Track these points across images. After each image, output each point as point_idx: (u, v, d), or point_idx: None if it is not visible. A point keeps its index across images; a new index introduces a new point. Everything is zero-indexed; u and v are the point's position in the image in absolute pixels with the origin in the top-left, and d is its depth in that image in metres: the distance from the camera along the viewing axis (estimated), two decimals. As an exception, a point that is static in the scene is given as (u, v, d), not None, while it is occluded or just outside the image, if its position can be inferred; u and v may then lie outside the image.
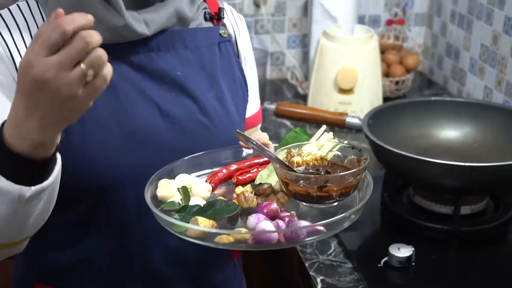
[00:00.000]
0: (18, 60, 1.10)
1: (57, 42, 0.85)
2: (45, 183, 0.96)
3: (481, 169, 1.42)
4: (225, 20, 1.28)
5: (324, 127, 1.19)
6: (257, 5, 2.31)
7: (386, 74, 2.24)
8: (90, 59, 0.85)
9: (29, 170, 0.93)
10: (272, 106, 1.92)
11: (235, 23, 1.31)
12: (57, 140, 0.94)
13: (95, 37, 0.85)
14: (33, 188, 0.95)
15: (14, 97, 0.92)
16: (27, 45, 1.11)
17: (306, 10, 2.34)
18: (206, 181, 1.13)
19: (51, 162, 0.96)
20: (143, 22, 1.12)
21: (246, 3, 2.30)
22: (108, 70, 0.88)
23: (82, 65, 0.85)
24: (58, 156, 0.98)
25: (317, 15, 2.22)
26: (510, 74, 1.93)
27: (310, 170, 1.09)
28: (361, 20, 2.39)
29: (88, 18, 0.86)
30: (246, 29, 1.34)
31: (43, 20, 1.13)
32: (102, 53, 0.86)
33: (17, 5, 1.15)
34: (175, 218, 1.03)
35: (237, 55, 1.30)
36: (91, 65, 0.86)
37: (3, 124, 0.94)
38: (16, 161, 0.92)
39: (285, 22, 2.37)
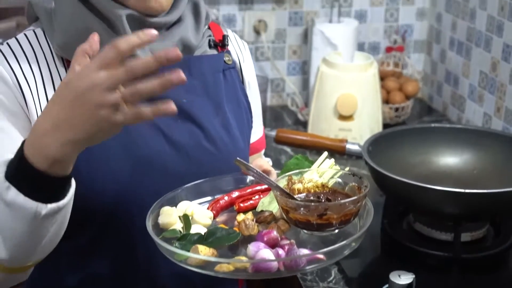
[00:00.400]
0: (25, 88, 1.11)
1: (111, 59, 0.88)
2: (61, 202, 0.98)
3: (481, 195, 1.42)
4: (229, 47, 1.30)
5: (325, 153, 1.19)
6: (257, 32, 2.33)
7: (386, 101, 2.25)
8: (130, 90, 0.89)
9: (46, 187, 0.95)
10: (272, 133, 1.92)
11: (239, 50, 1.32)
12: (74, 160, 0.96)
13: (140, 67, 0.89)
14: (49, 206, 0.96)
15: (45, 109, 0.94)
16: (35, 74, 1.12)
17: (306, 37, 2.36)
18: (208, 208, 1.13)
19: (67, 183, 0.98)
20: (149, 51, 1.13)
21: (247, 30, 2.32)
22: (146, 110, 0.90)
23: (119, 92, 0.88)
24: (73, 180, 1.00)
25: (317, 42, 2.24)
26: (509, 101, 1.94)
27: (311, 197, 1.09)
28: (360, 47, 2.41)
29: (152, 34, 0.89)
30: (250, 56, 1.35)
31: (50, 49, 1.14)
32: (144, 89, 0.89)
33: (24, 34, 1.16)
34: (175, 247, 1.03)
35: (242, 81, 1.31)
36: (129, 95, 0.89)
37: (24, 141, 0.96)
38: (34, 178, 0.94)
39: (285, 49, 2.38)
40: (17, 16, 2.23)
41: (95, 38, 0.93)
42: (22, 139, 1.11)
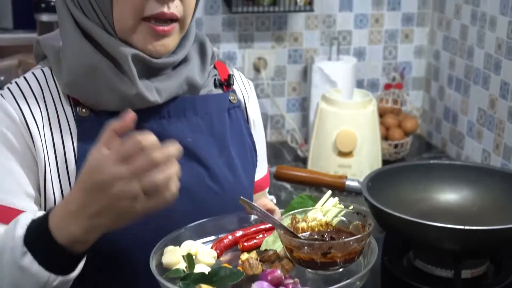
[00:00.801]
0: (33, 128, 1.12)
1: (132, 155, 0.92)
2: (71, 275, 1.02)
3: (480, 232, 1.43)
4: (235, 86, 1.31)
5: (329, 192, 1.20)
6: (257, 70, 2.35)
7: (385, 137, 2.26)
8: (150, 183, 0.93)
9: (62, 261, 0.99)
10: (272, 169, 1.93)
11: (244, 89, 1.33)
12: (95, 240, 1.00)
13: (162, 159, 0.93)
14: (61, 278, 1.00)
15: (71, 190, 0.99)
16: (42, 113, 1.13)
17: (305, 74, 2.38)
18: (211, 247, 1.13)
19: (82, 258, 1.02)
20: (155, 90, 1.14)
21: (247, 68, 2.34)
22: (164, 198, 0.94)
23: (138, 184, 0.92)
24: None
25: (317, 79, 2.26)
26: (507, 138, 1.96)
27: (315, 236, 1.09)
28: (359, 84, 2.43)
29: (177, 150, 0.95)
30: (254, 94, 1.36)
31: (57, 88, 1.16)
32: (163, 180, 0.93)
33: (33, 73, 1.17)
34: (179, 286, 1.03)
35: (247, 120, 1.32)
36: (146, 187, 0.93)
37: (50, 210, 1.00)
38: (54, 251, 0.98)
39: (284, 86, 2.40)
40: (18, 54, 2.26)
41: (128, 118, 0.96)
42: (27, 180, 1.12)
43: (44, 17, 2.12)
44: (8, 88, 1.15)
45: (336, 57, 2.31)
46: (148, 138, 0.94)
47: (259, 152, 1.34)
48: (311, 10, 2.20)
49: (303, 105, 2.42)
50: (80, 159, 1.13)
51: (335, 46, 2.32)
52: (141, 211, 0.94)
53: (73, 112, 1.15)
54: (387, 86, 2.42)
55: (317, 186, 1.92)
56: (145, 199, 0.93)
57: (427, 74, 2.47)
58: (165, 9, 1.10)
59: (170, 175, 0.94)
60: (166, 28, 1.12)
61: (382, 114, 2.33)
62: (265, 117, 2.29)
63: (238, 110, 1.28)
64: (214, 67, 1.30)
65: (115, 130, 0.96)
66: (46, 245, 0.98)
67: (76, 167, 1.13)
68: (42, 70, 1.18)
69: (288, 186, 2.07)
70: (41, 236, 0.98)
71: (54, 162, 1.13)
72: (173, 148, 0.95)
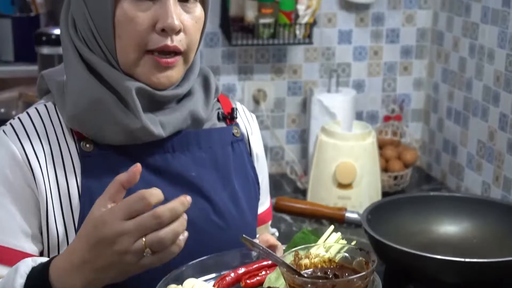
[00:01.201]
0: (35, 165, 1.12)
1: (138, 211, 0.94)
2: None
3: (481, 265, 1.43)
4: (238, 119, 1.31)
5: (332, 227, 1.20)
6: (256, 102, 2.35)
7: (384, 169, 2.27)
8: (155, 240, 0.95)
9: None
10: (272, 201, 1.93)
11: (247, 122, 1.34)
12: None
13: (169, 216, 0.96)
14: None
15: (75, 242, 0.99)
16: (45, 150, 1.13)
17: (305, 106, 2.39)
18: (214, 285, 1.13)
19: None
20: (159, 124, 1.14)
21: (246, 99, 2.34)
22: (169, 253, 0.97)
23: (143, 240, 0.94)
24: None
25: (316, 111, 2.27)
26: (507, 170, 1.96)
27: (318, 273, 1.09)
28: (359, 116, 2.44)
29: (188, 200, 0.98)
30: (257, 128, 1.37)
31: (60, 123, 1.16)
32: (168, 237, 0.95)
33: (36, 108, 1.17)
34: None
35: (250, 154, 1.32)
36: (151, 243, 0.95)
37: (52, 258, 1.00)
38: None
39: (284, 117, 2.41)
40: (19, 86, 2.27)
41: (135, 171, 0.98)
42: (26, 219, 1.11)
43: (45, 50, 2.13)
44: (11, 124, 1.15)
45: (335, 89, 2.32)
46: (154, 194, 0.95)
47: (261, 185, 1.34)
48: (310, 42, 2.22)
49: (302, 137, 2.42)
50: (83, 195, 1.12)
51: (334, 78, 2.33)
52: (146, 265, 0.96)
53: (76, 148, 1.14)
54: (386, 118, 2.43)
55: (317, 218, 1.92)
56: (151, 254, 0.95)
57: (426, 106, 2.48)
58: (169, 42, 1.11)
59: (177, 231, 0.95)
60: (169, 60, 1.12)
61: (381, 146, 2.33)
62: (264, 149, 2.29)
63: (241, 143, 1.28)
64: (218, 100, 1.30)
65: (122, 183, 0.97)
66: None
67: (80, 202, 1.13)
68: (45, 105, 1.18)
69: (287, 218, 2.06)
70: (40, 287, 0.99)
71: (57, 199, 1.12)
72: (179, 204, 0.96)
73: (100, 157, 1.13)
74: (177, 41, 1.12)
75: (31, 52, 2.24)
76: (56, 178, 1.13)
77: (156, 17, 1.10)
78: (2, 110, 2.20)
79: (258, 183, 1.32)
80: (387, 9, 2.39)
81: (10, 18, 2.39)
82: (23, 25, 2.39)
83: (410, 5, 2.40)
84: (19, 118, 1.16)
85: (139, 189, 1.13)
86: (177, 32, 1.11)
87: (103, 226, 0.95)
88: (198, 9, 1.15)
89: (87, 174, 1.13)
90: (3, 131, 1.14)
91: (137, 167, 0.98)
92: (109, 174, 1.11)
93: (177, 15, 1.11)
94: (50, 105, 1.18)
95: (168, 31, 1.10)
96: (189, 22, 1.13)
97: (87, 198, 1.12)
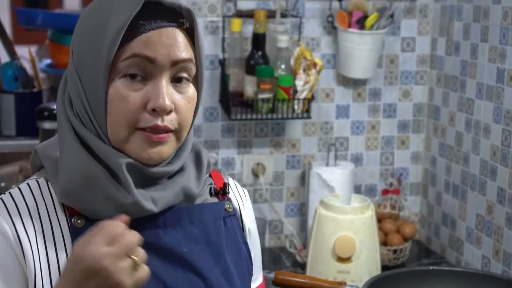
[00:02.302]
0: (25, 242, 1.11)
1: (117, 236, 1.00)
2: None
3: None
4: (230, 194, 1.31)
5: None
6: (255, 175, 2.37)
7: (383, 243, 2.26)
8: (139, 252, 1.02)
9: None
10: (271, 275, 1.91)
11: (239, 197, 1.34)
12: None
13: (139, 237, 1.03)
14: None
15: (58, 285, 1.02)
16: (35, 226, 1.13)
17: (303, 179, 2.40)
18: None
19: None
20: (150, 200, 1.14)
21: (245, 173, 2.36)
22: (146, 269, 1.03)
23: (133, 256, 1.00)
24: None
25: (314, 184, 2.28)
26: (506, 244, 1.96)
27: None
28: (357, 189, 2.45)
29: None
30: (250, 203, 1.36)
31: (52, 199, 1.16)
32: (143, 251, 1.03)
33: (27, 184, 1.17)
34: None
35: (242, 229, 1.31)
36: (138, 258, 1.01)
37: None
38: None
39: (283, 191, 2.42)
40: (20, 160, 2.28)
41: (122, 221, 1.05)
42: None
43: (46, 125, 2.15)
44: (2, 200, 1.15)
45: (333, 162, 2.34)
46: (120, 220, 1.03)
47: (254, 260, 1.34)
48: (309, 117, 2.24)
49: (301, 210, 2.43)
50: None
51: (332, 152, 2.35)
52: (129, 285, 0.99)
53: (67, 223, 1.14)
54: (385, 192, 2.44)
55: (316, 293, 1.90)
56: (132, 271, 1.00)
57: (424, 180, 2.49)
58: (159, 122, 1.11)
59: (142, 250, 1.03)
60: (161, 135, 1.13)
61: (380, 219, 2.33)
62: (263, 222, 2.30)
63: (234, 219, 1.28)
64: (210, 175, 1.31)
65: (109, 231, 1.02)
66: None
67: None
68: (37, 181, 1.18)
69: (287, 292, 2.05)
70: None
71: (47, 275, 1.11)
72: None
73: None
74: (168, 120, 1.12)
75: (32, 126, 2.27)
76: (46, 254, 1.12)
77: (148, 97, 1.11)
78: (3, 184, 2.21)
79: (251, 259, 1.30)
80: (384, 84, 2.43)
81: (13, 94, 2.42)
82: (26, 101, 2.42)
83: (406, 80, 2.44)
84: (10, 193, 1.16)
85: None
86: (168, 112, 1.12)
87: (87, 255, 0.99)
88: (191, 90, 1.17)
89: None
90: None
91: (123, 216, 1.04)
92: None
93: (169, 96, 1.12)
94: (42, 181, 1.18)
95: (159, 111, 1.11)
96: (181, 102, 1.14)
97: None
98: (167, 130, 1.13)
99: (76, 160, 1.13)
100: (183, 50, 1.14)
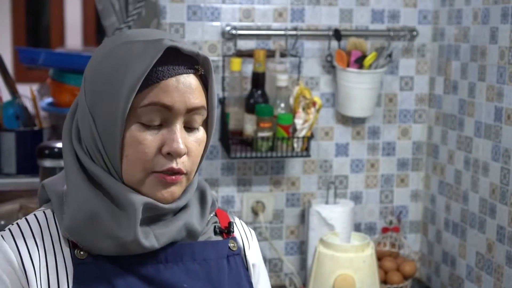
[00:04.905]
0: (29, 269, 1.13)
1: None
2: None
3: None
4: (236, 233, 1.32)
5: None
6: (255, 213, 2.37)
7: (384, 281, 2.25)
8: None
9: None
10: (271, 314, 1.91)
11: (245, 237, 1.34)
12: None
13: None
14: None
15: None
16: (40, 255, 1.15)
17: (303, 217, 2.40)
18: None
19: None
20: (153, 236, 1.15)
21: (245, 211, 2.36)
22: None
23: None
24: None
25: (314, 222, 2.28)
26: (506, 282, 1.95)
27: None
28: (357, 227, 2.45)
29: None
30: (256, 243, 1.36)
31: (57, 230, 1.18)
32: None
33: (34, 215, 1.20)
34: None
35: (246, 268, 1.31)
36: None
37: None
38: None
39: (282, 229, 2.42)
40: (20, 198, 2.29)
41: None
42: None
43: (47, 163, 2.16)
44: (10, 229, 1.18)
45: (333, 200, 2.34)
46: None
47: None
48: (308, 155, 2.26)
49: (301, 248, 2.43)
50: None
51: (332, 190, 2.36)
52: None
53: (71, 255, 1.16)
54: (385, 230, 2.44)
55: (317, 332, 1.90)
56: None
57: (423, 218, 2.49)
58: (174, 165, 1.14)
59: None
60: (174, 177, 1.16)
61: (380, 257, 2.33)
62: (263, 261, 2.29)
63: (238, 258, 1.28)
64: (215, 214, 1.32)
65: None
66: None
67: None
68: (44, 212, 1.21)
69: (287, 332, 2.04)
70: None
71: None
72: None
73: (93, 266, 1.15)
74: (181, 163, 1.15)
75: (33, 164, 2.28)
76: (48, 283, 1.14)
77: (163, 141, 1.14)
78: (3, 222, 2.22)
79: None
80: (383, 123, 2.44)
81: (14, 132, 2.44)
82: (26, 139, 2.43)
83: (405, 119, 2.46)
84: (17, 223, 1.19)
85: None
86: (182, 155, 1.15)
87: None
88: (201, 133, 1.20)
89: (79, 281, 1.14)
90: (1, 236, 1.17)
91: None
92: (101, 282, 1.13)
93: (183, 139, 1.15)
94: (49, 212, 1.21)
95: (174, 155, 1.14)
96: (192, 145, 1.17)
97: None
98: (180, 173, 1.15)
99: (82, 198, 1.15)
100: (197, 97, 1.17)
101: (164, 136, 1.14)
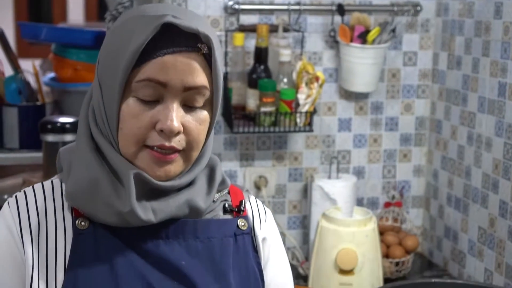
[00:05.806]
0: (26, 238, 1.16)
1: None
2: None
3: None
4: (249, 213, 1.30)
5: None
6: (258, 188, 2.38)
7: (386, 256, 2.26)
8: None
9: None
10: None
11: (257, 216, 1.31)
12: None
13: None
14: None
15: None
16: (40, 224, 1.17)
17: (305, 192, 2.41)
18: None
19: None
20: (150, 210, 1.15)
21: (247, 186, 2.36)
22: None
23: None
24: None
25: (317, 197, 2.28)
26: (508, 257, 1.96)
27: None
28: (359, 202, 2.45)
29: None
30: (272, 222, 1.34)
31: (62, 200, 1.19)
32: None
33: (42, 183, 1.22)
34: None
35: (255, 249, 1.29)
36: None
37: None
38: None
39: (285, 204, 2.43)
40: (23, 173, 2.29)
41: None
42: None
43: (50, 138, 2.17)
44: (16, 196, 1.20)
45: (335, 175, 2.34)
46: None
47: (282, 283, 1.32)
48: (311, 130, 2.25)
49: (303, 223, 2.43)
50: (69, 270, 1.14)
51: (334, 165, 2.36)
52: None
53: (72, 225, 1.17)
54: (387, 205, 2.45)
55: (319, 306, 1.91)
56: None
57: (426, 193, 2.50)
58: (166, 143, 1.14)
59: None
60: (167, 156, 1.15)
61: (382, 232, 2.34)
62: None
63: (247, 237, 1.27)
64: (228, 192, 1.31)
65: None
66: None
67: (64, 278, 1.14)
68: (52, 181, 1.22)
69: (289, 305, 2.05)
70: None
71: (44, 273, 1.15)
72: None
73: (91, 237, 1.16)
74: (175, 141, 1.15)
75: (36, 139, 2.28)
76: (46, 253, 1.16)
77: (157, 117, 1.14)
78: (6, 196, 2.23)
79: (262, 279, 1.27)
80: (386, 98, 2.44)
81: (17, 107, 2.44)
82: (29, 114, 2.44)
83: (408, 94, 2.45)
84: (24, 191, 1.21)
85: (127, 272, 1.14)
86: (176, 134, 1.14)
87: None
88: (204, 112, 1.18)
89: (76, 252, 1.15)
90: (8, 202, 1.19)
91: None
92: (98, 254, 1.15)
93: (178, 118, 1.14)
94: (56, 181, 1.22)
95: (166, 132, 1.13)
96: (191, 124, 1.16)
97: (71, 275, 1.14)
98: (174, 150, 1.15)
99: (86, 164, 1.17)
100: (197, 76, 1.15)
101: (159, 112, 1.14)
